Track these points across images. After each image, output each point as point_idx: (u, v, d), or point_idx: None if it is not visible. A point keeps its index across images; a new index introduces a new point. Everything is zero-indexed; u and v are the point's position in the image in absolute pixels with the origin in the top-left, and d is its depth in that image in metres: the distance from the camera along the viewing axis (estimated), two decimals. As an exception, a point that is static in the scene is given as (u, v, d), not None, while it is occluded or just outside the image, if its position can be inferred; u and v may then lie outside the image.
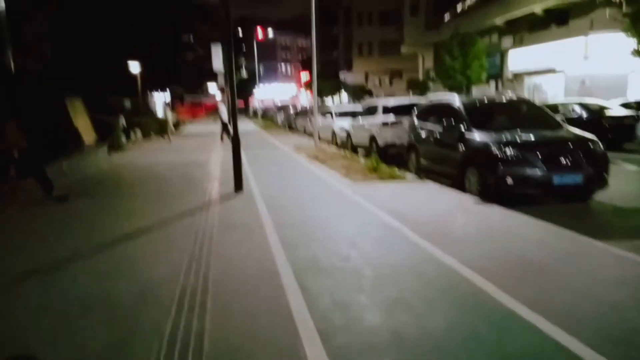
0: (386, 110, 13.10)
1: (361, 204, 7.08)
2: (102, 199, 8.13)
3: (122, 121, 18.26)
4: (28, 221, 6.74)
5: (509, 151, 7.24)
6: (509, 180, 7.16)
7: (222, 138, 19.17)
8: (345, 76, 58.02)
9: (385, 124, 12.76)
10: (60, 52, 17.53)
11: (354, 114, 17.39)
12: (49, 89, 14.31)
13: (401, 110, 12.79)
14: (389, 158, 11.79)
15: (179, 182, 9.76)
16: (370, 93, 49.82)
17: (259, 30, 63.95)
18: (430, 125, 9.64)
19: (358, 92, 49.08)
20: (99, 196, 8.40)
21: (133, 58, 23.24)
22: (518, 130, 7.80)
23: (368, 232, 5.58)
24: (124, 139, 18.56)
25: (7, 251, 5.30)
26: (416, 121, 10.38)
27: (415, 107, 11.38)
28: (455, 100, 9.06)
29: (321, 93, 48.42)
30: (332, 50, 68.94)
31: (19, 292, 4.04)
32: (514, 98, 9.74)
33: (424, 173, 9.75)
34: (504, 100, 9.47)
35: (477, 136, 7.88)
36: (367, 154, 13.49)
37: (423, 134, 9.87)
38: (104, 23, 23.15)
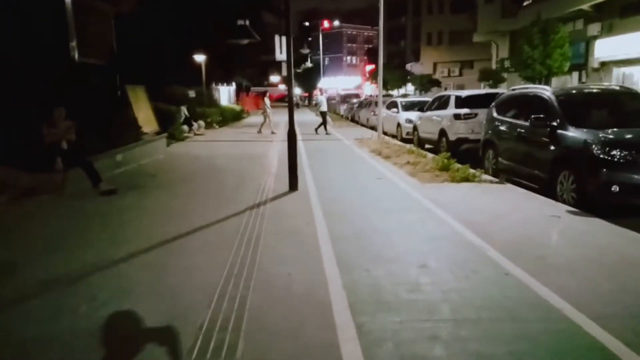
0: (459, 101, 11.86)
1: (432, 212, 6.08)
2: (149, 194, 7.64)
3: (184, 111, 18.13)
4: (69, 216, 6.32)
5: (616, 152, 5.98)
6: (615, 188, 5.90)
7: (317, 130, 18.84)
8: (412, 67, 56.10)
9: (457, 116, 11.55)
10: (126, 44, 17.61)
11: (422, 106, 16.23)
12: (112, 78, 14.27)
13: (476, 102, 11.53)
14: (461, 155, 10.60)
15: (232, 176, 9.17)
16: (438, 84, 47.71)
17: (325, 22, 63.48)
18: (512, 120, 8.41)
19: (425, 84, 47.12)
20: (147, 190, 7.94)
21: (198, 49, 23.14)
22: (624, 126, 6.48)
23: (442, 250, 4.61)
24: (185, 128, 18.44)
25: (31, 250, 4.81)
26: (495, 114, 9.15)
27: (495, 99, 10.17)
28: (546, 90, 7.78)
29: (386, 84, 47.06)
30: (399, 41, 67.23)
31: (18, 314, 3.46)
32: (616, 88, 8.29)
33: (503, 174, 8.55)
34: (604, 91, 8.07)
35: (574, 133, 6.62)
36: (436, 149, 12.34)
37: (503, 129, 8.65)
38: (171, 15, 23.25)
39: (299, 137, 18.08)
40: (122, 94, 12.73)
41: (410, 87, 51.64)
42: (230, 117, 27.66)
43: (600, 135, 6.25)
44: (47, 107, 7.62)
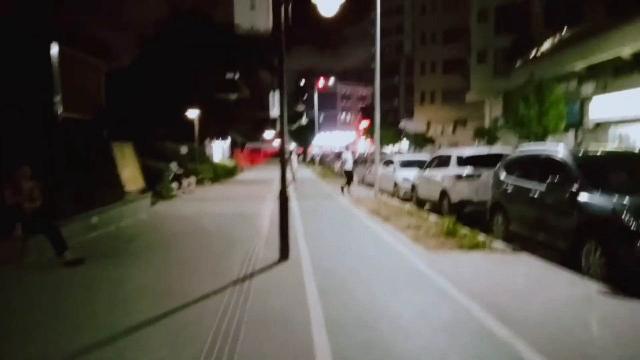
0: (461, 161, 11.28)
1: (444, 290, 5.26)
2: (121, 264, 6.78)
3: (174, 168, 17.48)
4: (20, 294, 5.44)
5: (651, 221, 5.26)
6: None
7: (343, 189, 17.01)
8: (405, 124, 56.60)
9: (459, 177, 10.92)
10: (115, 99, 17.24)
11: (419, 164, 15.70)
12: (98, 134, 13.73)
13: (480, 162, 10.96)
14: (464, 217, 9.88)
15: (218, 240, 8.34)
16: (432, 141, 47.89)
17: (321, 79, 64.75)
18: (523, 182, 7.75)
19: (420, 141, 47.26)
20: (120, 259, 7.08)
21: (191, 104, 22.87)
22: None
23: (463, 345, 3.76)
24: (175, 185, 17.73)
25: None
26: (503, 175, 8.51)
27: (499, 159, 9.60)
28: (561, 150, 7.17)
29: (381, 141, 47.10)
30: (392, 99, 68.44)
31: None
32: (634, 151, 7.71)
33: (515, 241, 7.79)
34: (621, 154, 7.48)
35: (598, 199, 5.93)
36: (436, 211, 11.63)
37: (513, 192, 7.97)
38: (164, 71, 23.17)
39: (292, 196, 17.46)
40: (107, 151, 12.08)
41: (404, 144, 51.79)
42: (223, 174, 27.09)
43: (628, 201, 5.56)
44: (18, 165, 6.89)
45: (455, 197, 10.91)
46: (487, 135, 32.82)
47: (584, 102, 26.80)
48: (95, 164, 10.79)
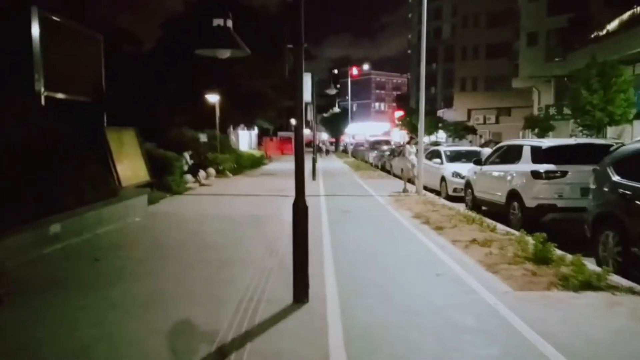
0: (538, 154, 8.71)
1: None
2: (63, 302, 4.65)
3: (187, 158, 15.46)
4: None
5: None
6: None
7: (406, 188, 13.97)
8: (444, 113, 53.38)
9: (537, 175, 8.37)
10: (124, 78, 15.35)
11: (470, 157, 13.19)
12: (96, 118, 11.79)
13: (564, 156, 8.42)
14: (543, 228, 7.37)
15: (215, 262, 6.12)
16: (474, 131, 44.74)
17: (354, 69, 62.34)
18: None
19: (460, 131, 44.12)
20: (66, 291, 4.95)
21: (212, 88, 20.84)
22: None
23: None
24: (189, 178, 15.74)
25: None
26: (616, 177, 5.99)
27: (596, 152, 7.12)
28: None
29: (416, 130, 44.45)
30: (429, 87, 65.41)
31: None
32: None
33: (636, 268, 5.31)
34: None
35: None
36: (499, 216, 9.13)
37: (636, 199, 5.45)
38: (187, 54, 21.19)
39: (320, 191, 15.25)
40: (97, 138, 10.09)
41: (441, 134, 48.78)
42: (247, 164, 25.07)
43: None
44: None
45: (531, 201, 8.37)
46: (540, 124, 29.62)
47: (655, 87, 23.47)
48: (78, 153, 8.76)
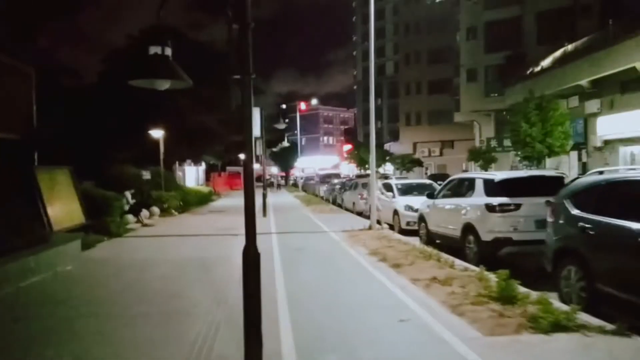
0: (491, 187, 8.66)
1: None
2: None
3: (128, 197, 14.55)
4: None
5: None
6: None
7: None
8: (390, 146, 54.49)
9: (491, 208, 8.28)
10: (59, 114, 14.44)
11: (421, 190, 13.16)
12: (25, 157, 10.84)
13: (516, 188, 8.38)
14: (500, 262, 7.21)
15: (155, 316, 5.45)
16: (420, 164, 45.79)
17: (302, 103, 63.05)
18: (619, 221, 5.12)
19: (407, 163, 45.04)
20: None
21: (158, 126, 19.90)
22: None
23: None
24: (131, 218, 14.78)
25: None
26: (575, 210, 5.89)
27: (547, 184, 7.09)
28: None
29: (364, 163, 45.10)
30: (376, 121, 66.81)
31: None
32: None
33: (601, 303, 5.14)
34: None
35: None
36: (454, 251, 8.95)
37: (603, 234, 5.34)
38: (129, 88, 20.37)
39: (272, 228, 14.66)
40: (25, 179, 9.19)
41: (389, 167, 49.58)
42: (194, 201, 24.12)
43: None
44: None
45: (487, 235, 8.23)
46: (483, 156, 30.61)
47: (587, 119, 24.84)
48: (1, 196, 7.88)
